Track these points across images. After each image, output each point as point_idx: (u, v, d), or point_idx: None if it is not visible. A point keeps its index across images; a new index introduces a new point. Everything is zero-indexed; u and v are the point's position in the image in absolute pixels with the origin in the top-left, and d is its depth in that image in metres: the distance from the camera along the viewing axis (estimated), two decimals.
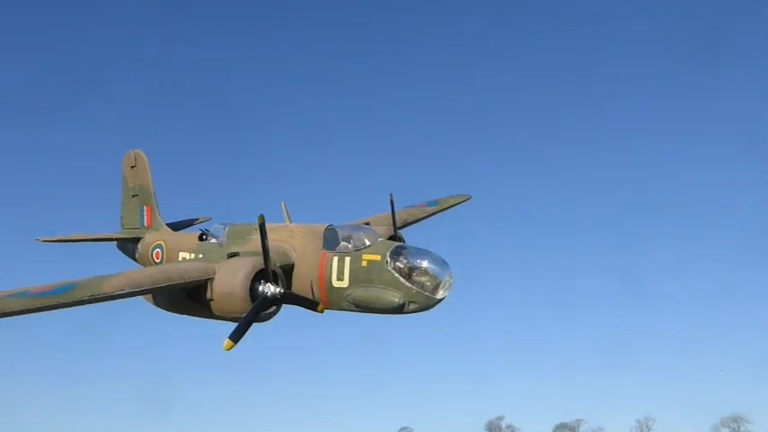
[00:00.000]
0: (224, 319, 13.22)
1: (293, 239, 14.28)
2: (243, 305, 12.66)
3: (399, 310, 12.74)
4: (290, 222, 15.40)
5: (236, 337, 12.04)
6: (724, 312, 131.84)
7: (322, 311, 13.42)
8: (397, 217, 16.30)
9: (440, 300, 12.81)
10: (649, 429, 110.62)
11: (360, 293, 13.10)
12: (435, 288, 12.74)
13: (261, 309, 12.68)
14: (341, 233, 13.77)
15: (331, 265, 13.45)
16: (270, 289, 12.84)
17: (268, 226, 13.17)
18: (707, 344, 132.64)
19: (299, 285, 13.76)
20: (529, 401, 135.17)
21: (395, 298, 12.68)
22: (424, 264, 12.87)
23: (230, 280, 12.93)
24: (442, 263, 13.02)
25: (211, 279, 13.09)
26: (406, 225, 18.45)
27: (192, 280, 13.09)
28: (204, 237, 16.20)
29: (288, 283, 13.62)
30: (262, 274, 12.88)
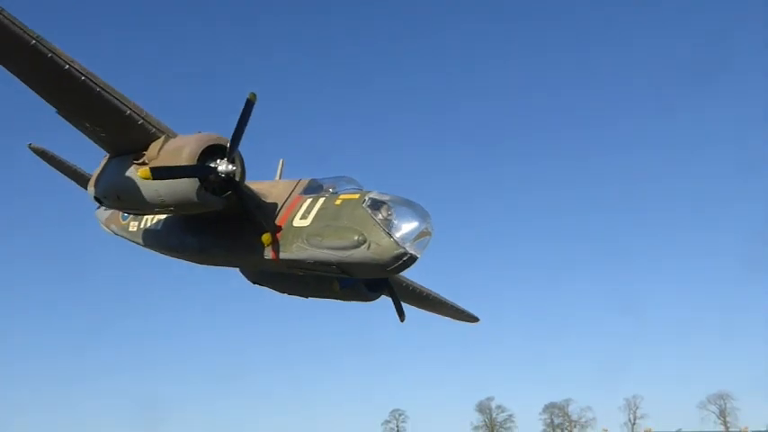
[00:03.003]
0: (159, 201, 12.10)
1: (274, 188, 13.67)
2: (187, 162, 11.63)
3: (356, 246, 11.45)
4: (281, 179, 15.11)
5: (158, 173, 11.31)
6: (713, 292, 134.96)
7: (267, 242, 12.40)
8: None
9: (406, 255, 11.35)
10: (637, 408, 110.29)
11: (317, 228, 12.11)
12: (405, 237, 11.34)
13: (203, 173, 11.69)
14: (326, 184, 13.10)
15: (300, 206, 12.65)
16: (223, 165, 11.84)
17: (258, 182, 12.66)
18: (695, 324, 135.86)
19: None
20: (519, 383, 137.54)
21: (354, 234, 11.49)
22: (403, 208, 11.61)
23: (186, 140, 12.04)
24: (424, 214, 11.70)
25: (168, 137, 12.30)
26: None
27: (150, 120, 12.28)
28: None
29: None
30: (223, 153, 11.90)
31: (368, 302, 15.49)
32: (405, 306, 16.75)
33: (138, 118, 12.24)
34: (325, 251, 11.96)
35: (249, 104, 11.69)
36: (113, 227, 18.21)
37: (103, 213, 18.73)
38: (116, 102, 12.00)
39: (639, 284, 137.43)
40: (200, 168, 11.70)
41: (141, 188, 12.27)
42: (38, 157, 18.47)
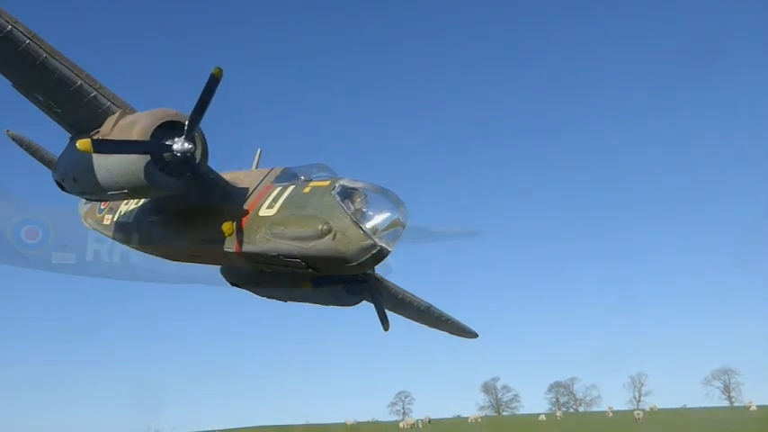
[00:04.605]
0: (112, 182, 11.10)
1: (247, 177, 12.70)
2: (139, 138, 10.53)
3: (320, 236, 10.40)
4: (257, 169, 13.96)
5: (99, 146, 10.29)
6: (717, 269, 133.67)
7: (229, 232, 11.48)
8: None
9: (375, 248, 10.25)
10: (642, 385, 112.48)
11: (281, 217, 11.08)
12: (375, 227, 10.28)
13: (153, 149, 10.58)
14: (301, 172, 12.11)
15: (269, 195, 11.66)
16: (179, 144, 10.67)
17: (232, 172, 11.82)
18: (699, 300, 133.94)
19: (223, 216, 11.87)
20: (524, 363, 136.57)
21: (318, 223, 10.43)
22: (375, 196, 10.61)
23: (141, 115, 11.04)
24: (397, 203, 10.64)
25: (124, 113, 11.31)
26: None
27: (104, 93, 11.29)
28: None
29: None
30: (182, 131, 10.77)
31: (348, 308, 14.22)
32: (393, 315, 15.38)
33: (91, 90, 11.17)
34: (287, 242, 10.88)
35: (214, 80, 10.57)
36: (90, 221, 17.24)
37: (83, 207, 17.81)
38: (65, 70, 10.88)
39: (642, 264, 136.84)
40: (149, 144, 10.58)
41: (95, 167, 11.18)
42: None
